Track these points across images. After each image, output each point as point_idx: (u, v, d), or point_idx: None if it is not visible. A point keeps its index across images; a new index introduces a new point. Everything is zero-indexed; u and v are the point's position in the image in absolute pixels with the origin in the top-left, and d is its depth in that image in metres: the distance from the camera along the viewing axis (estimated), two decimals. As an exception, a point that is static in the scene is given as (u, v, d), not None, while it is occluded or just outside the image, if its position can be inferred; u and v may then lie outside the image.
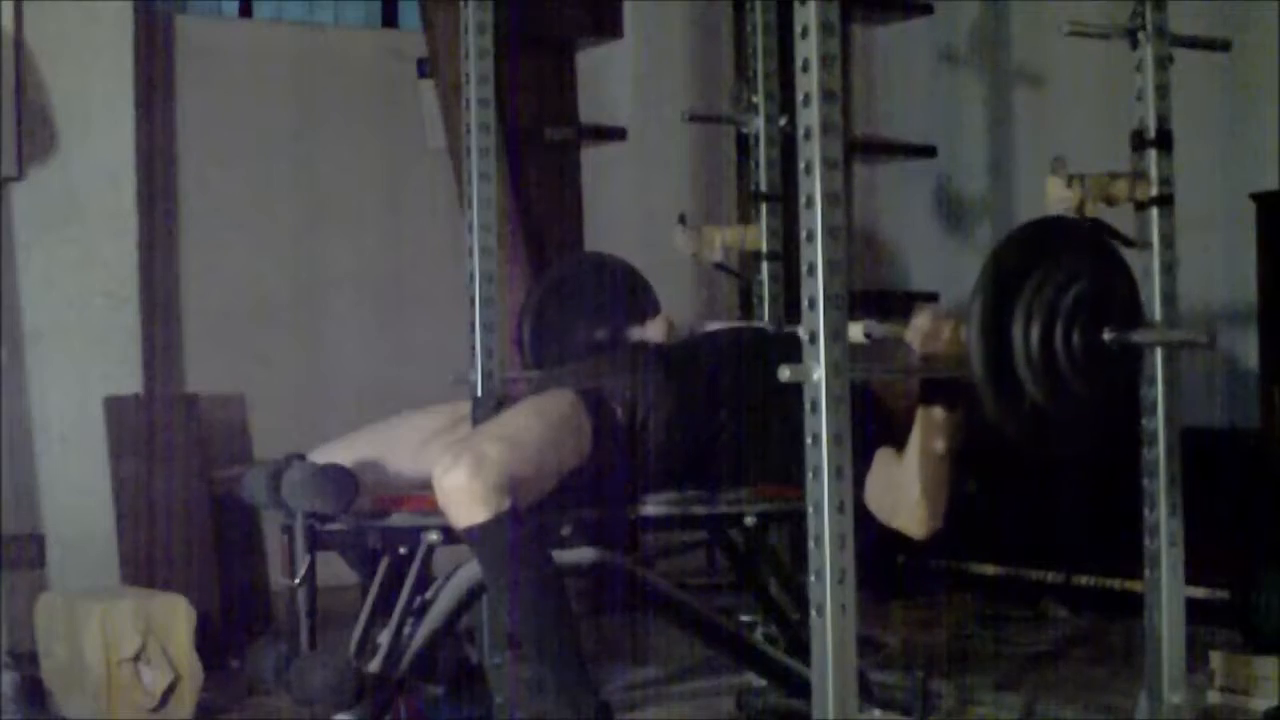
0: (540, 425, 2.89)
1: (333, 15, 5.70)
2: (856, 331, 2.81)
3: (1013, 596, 4.93)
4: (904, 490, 2.85)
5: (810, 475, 2.38)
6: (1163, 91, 2.81)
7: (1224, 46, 3.04)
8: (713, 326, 3.49)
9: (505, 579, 2.78)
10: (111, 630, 3.68)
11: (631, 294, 3.70)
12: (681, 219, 3.78)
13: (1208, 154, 4.79)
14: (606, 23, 5.67)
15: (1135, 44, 2.83)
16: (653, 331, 3.58)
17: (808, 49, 2.40)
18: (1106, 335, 2.54)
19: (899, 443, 2.94)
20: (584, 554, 2.99)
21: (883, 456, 2.93)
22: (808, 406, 2.38)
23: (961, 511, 2.94)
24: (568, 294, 3.66)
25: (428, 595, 2.93)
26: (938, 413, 2.78)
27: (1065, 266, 2.51)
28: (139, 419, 4.53)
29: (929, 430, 2.80)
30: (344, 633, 2.94)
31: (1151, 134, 2.82)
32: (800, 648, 2.93)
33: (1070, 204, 2.74)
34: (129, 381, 4.59)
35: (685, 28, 5.93)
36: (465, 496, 2.72)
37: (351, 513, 2.85)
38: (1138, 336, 2.59)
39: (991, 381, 2.44)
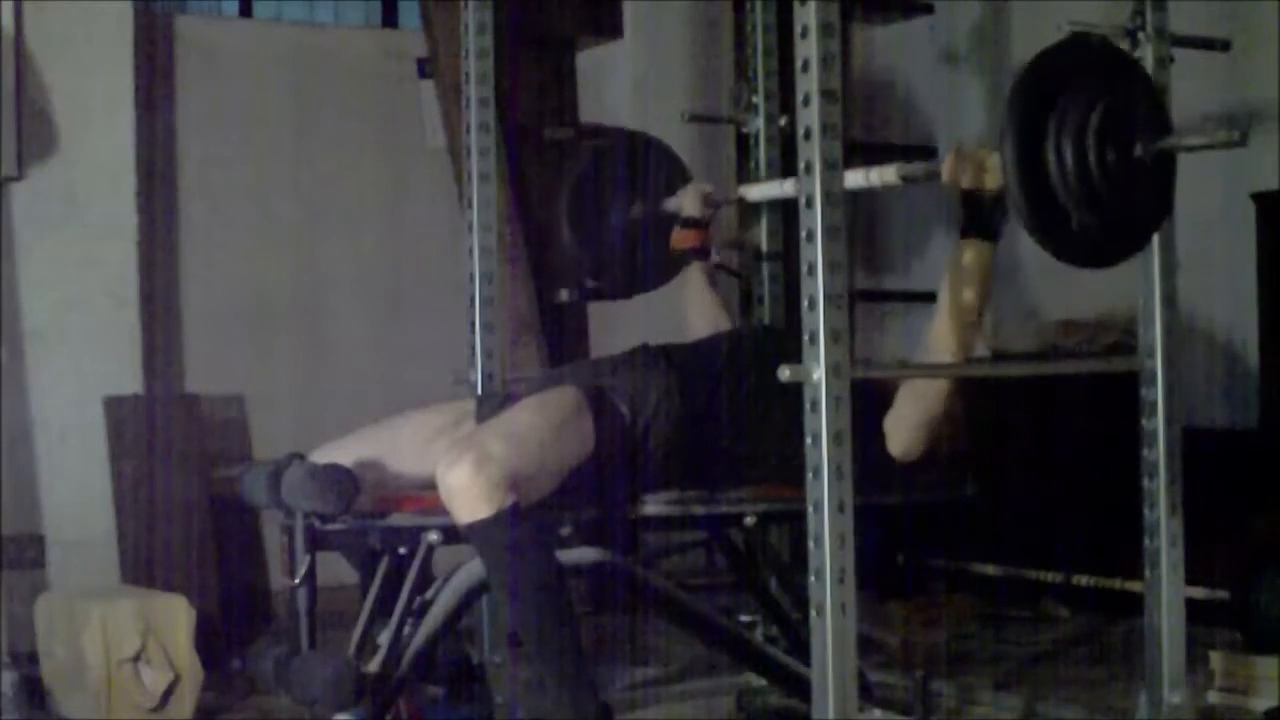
0: (543, 423, 2.88)
1: (333, 15, 5.70)
2: (890, 174, 2.83)
3: (1013, 596, 4.92)
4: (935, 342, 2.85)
5: (810, 475, 2.38)
6: (1163, 91, 2.81)
7: (1224, 46, 3.04)
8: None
9: (508, 576, 2.77)
10: (111, 630, 3.68)
11: (663, 166, 3.69)
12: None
13: (1208, 154, 4.78)
14: (606, 23, 5.67)
15: (1135, 44, 2.83)
16: (685, 200, 3.58)
17: (808, 49, 2.40)
18: (1138, 150, 2.57)
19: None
20: (584, 554, 2.99)
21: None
22: (808, 406, 2.38)
23: (961, 512, 2.94)
24: (603, 168, 3.66)
25: (428, 595, 2.93)
26: (975, 243, 2.80)
27: (1090, 85, 2.53)
28: (139, 419, 4.53)
29: (967, 259, 2.81)
30: (344, 633, 2.94)
31: (1151, 133, 2.82)
32: (800, 648, 2.94)
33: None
34: (129, 381, 4.59)
35: (685, 28, 5.93)
36: (468, 493, 2.71)
37: (351, 513, 2.85)
38: (1167, 144, 2.60)
39: (1028, 200, 2.47)
